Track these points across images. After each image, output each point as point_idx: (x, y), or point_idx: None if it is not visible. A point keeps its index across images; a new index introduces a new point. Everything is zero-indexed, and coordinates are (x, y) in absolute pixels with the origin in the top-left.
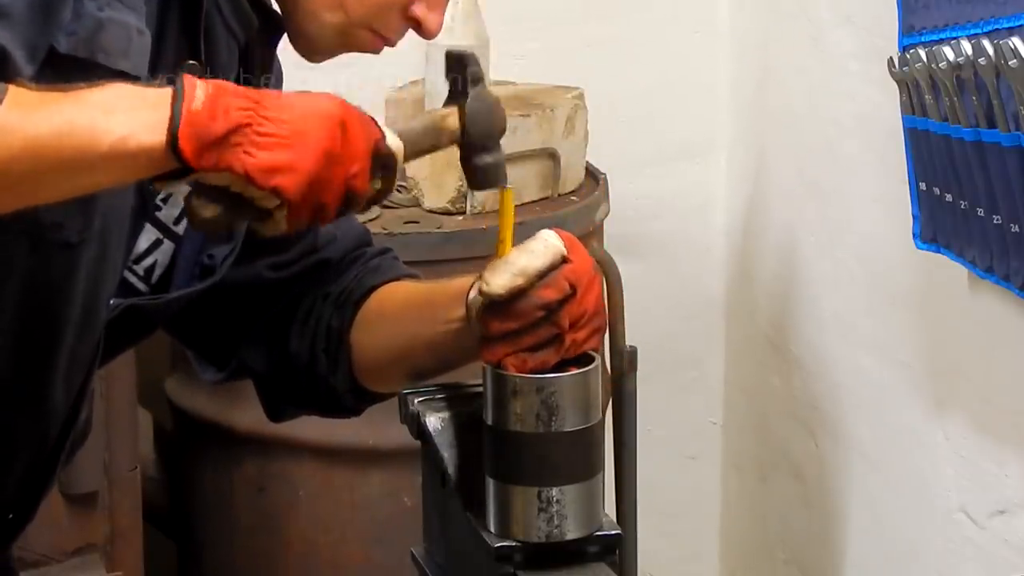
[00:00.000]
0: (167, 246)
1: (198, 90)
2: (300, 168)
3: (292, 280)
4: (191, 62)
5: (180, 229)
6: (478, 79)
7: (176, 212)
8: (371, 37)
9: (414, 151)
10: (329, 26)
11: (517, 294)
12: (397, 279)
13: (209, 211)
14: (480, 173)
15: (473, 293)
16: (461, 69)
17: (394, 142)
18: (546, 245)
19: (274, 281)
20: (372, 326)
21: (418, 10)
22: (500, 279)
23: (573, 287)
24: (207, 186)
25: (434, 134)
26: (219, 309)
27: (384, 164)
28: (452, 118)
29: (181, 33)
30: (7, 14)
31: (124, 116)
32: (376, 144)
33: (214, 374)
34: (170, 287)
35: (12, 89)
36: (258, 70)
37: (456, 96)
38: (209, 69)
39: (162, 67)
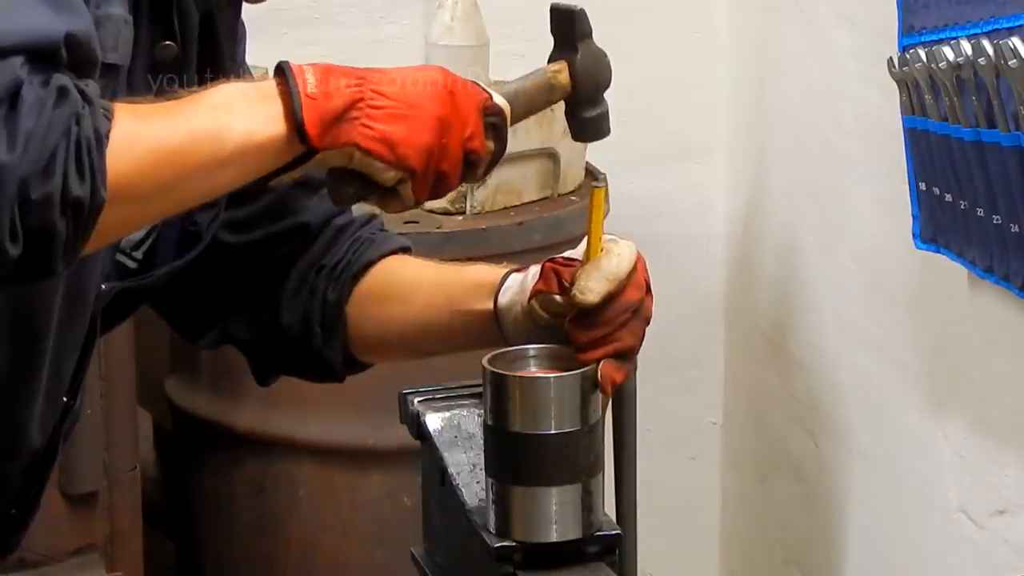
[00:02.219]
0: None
1: (307, 74)
2: (418, 137)
3: (263, 245)
4: (167, 43)
5: None
6: (586, 33)
7: None
8: None
9: (528, 109)
10: None
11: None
12: (392, 252)
13: (349, 189)
14: (588, 126)
15: (540, 299)
16: (569, 24)
17: (501, 101)
18: (628, 246)
19: (237, 246)
20: (376, 303)
21: None
22: (597, 286)
23: (647, 283)
24: (336, 169)
25: (547, 91)
26: (192, 283)
27: (494, 124)
28: (563, 74)
29: (152, 11)
30: (73, 6)
31: (244, 113)
32: (484, 105)
33: (191, 342)
34: (155, 260)
35: (121, 104)
36: (226, 38)
37: (563, 51)
38: (183, 46)
39: (139, 50)
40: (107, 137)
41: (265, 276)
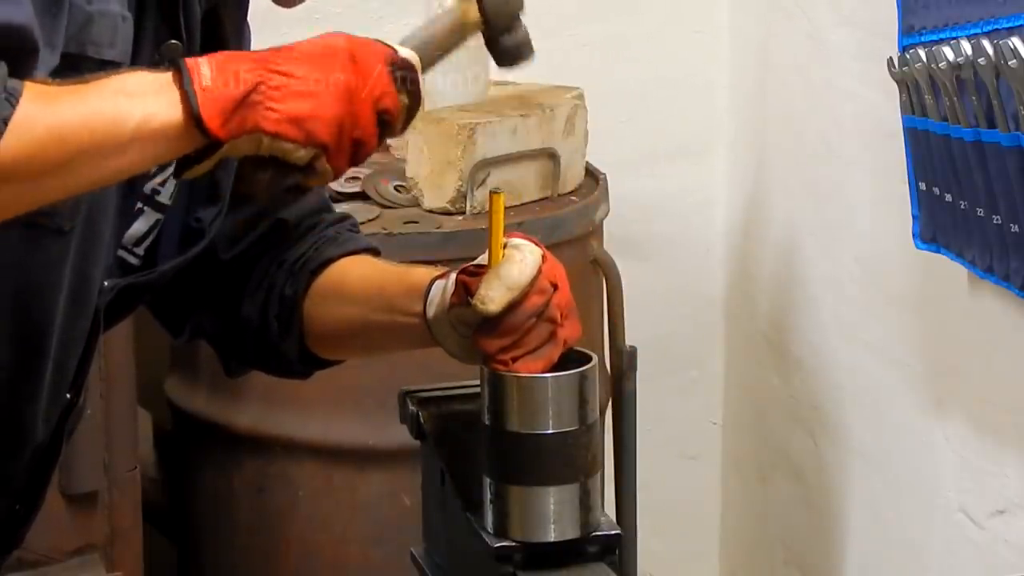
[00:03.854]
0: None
1: (203, 67)
2: (325, 110)
3: (247, 249)
4: (172, 42)
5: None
6: None
7: (171, 189)
8: None
9: (441, 52)
10: None
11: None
12: (355, 252)
13: (261, 178)
14: (508, 54)
15: (450, 307)
16: None
17: (408, 53)
18: (530, 251)
19: (229, 258)
20: (327, 300)
21: None
22: (498, 295)
23: (554, 284)
24: (249, 157)
25: (458, 30)
26: (182, 281)
27: (404, 77)
28: (472, 10)
29: (158, 8)
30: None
31: (145, 99)
32: (391, 61)
33: (175, 338)
34: (157, 256)
35: (29, 84)
36: (232, 36)
37: None
38: (188, 44)
39: (143, 48)
40: (5, 122)
41: (232, 270)
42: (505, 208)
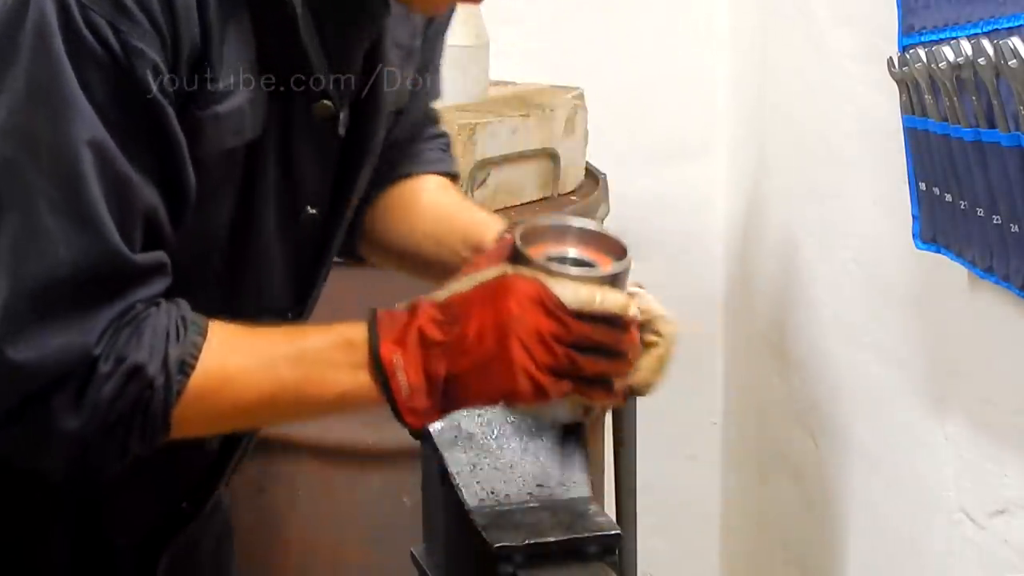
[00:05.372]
0: None
1: (399, 374)
2: (514, 384)
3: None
4: (324, 102)
5: None
6: None
7: None
8: None
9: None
10: None
11: None
12: (430, 173)
13: None
14: None
15: None
16: None
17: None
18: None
19: None
20: (392, 218)
21: None
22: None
23: None
24: None
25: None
26: None
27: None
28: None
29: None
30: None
31: (344, 385)
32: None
33: None
34: None
35: (216, 352)
36: (392, 51)
37: None
38: (341, 98)
39: (295, 114)
40: (178, 398)
41: None
42: (510, 207)
